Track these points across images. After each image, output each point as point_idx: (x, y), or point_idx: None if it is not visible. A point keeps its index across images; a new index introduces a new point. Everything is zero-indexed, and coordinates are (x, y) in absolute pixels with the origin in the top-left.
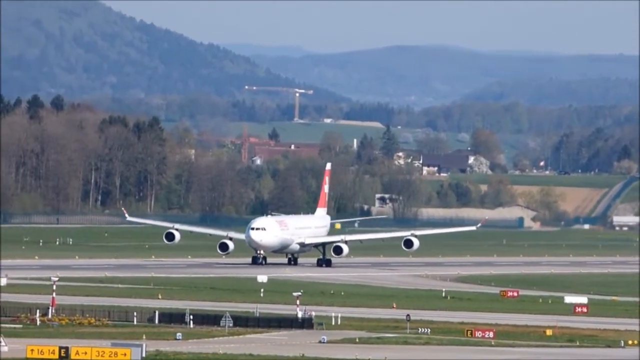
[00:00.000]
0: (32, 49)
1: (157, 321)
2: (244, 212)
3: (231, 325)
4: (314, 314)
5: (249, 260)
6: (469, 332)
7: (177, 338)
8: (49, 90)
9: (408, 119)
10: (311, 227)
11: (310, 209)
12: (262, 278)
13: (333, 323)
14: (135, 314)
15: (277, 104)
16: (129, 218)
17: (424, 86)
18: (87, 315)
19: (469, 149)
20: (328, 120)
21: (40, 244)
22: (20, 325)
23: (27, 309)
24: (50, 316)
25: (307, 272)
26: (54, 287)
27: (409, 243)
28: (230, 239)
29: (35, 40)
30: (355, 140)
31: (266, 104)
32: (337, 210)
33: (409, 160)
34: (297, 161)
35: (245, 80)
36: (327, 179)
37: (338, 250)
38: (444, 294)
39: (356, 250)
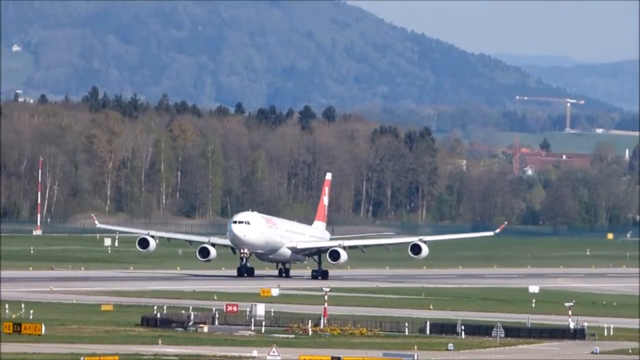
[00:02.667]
0: (304, 59)
1: (428, 332)
2: (515, 222)
3: (503, 335)
4: (586, 324)
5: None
6: None
7: (449, 348)
8: (321, 100)
9: None
10: (305, 234)
11: (581, 219)
12: (534, 288)
13: (605, 334)
14: (406, 324)
15: (548, 114)
16: (99, 225)
17: None
18: (359, 325)
19: None
20: (599, 131)
21: None
22: (293, 336)
23: (299, 319)
24: (322, 326)
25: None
26: (326, 298)
27: (416, 249)
28: (213, 245)
29: (307, 51)
30: (627, 151)
31: (537, 114)
32: (610, 220)
33: None
34: (569, 171)
35: (516, 90)
36: (326, 189)
37: (335, 256)
38: None
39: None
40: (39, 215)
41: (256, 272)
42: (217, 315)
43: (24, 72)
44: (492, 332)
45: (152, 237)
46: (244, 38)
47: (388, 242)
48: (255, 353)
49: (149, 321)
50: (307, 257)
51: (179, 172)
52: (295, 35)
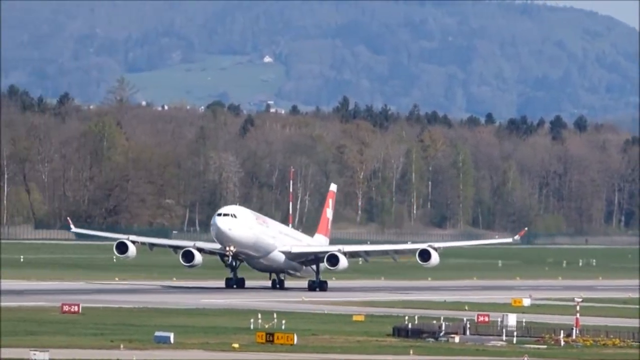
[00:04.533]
0: (555, 69)
1: None
2: None
3: None
4: None
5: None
6: None
7: None
8: (572, 110)
9: None
10: (302, 241)
11: None
12: None
13: None
14: None
15: None
16: (74, 229)
17: None
18: (612, 336)
19: None
20: None
21: (564, 264)
22: (545, 346)
23: (551, 330)
24: (574, 337)
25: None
26: (578, 308)
27: (425, 255)
28: (200, 250)
29: (558, 61)
30: None
31: None
32: None
33: None
34: None
35: None
36: (330, 201)
37: (333, 261)
38: None
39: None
40: (290, 226)
41: (247, 283)
42: (468, 326)
43: (275, 84)
44: None
45: (133, 242)
46: (494, 48)
47: (393, 248)
48: None
49: (400, 331)
50: (304, 266)
51: (429, 182)
52: (547, 45)
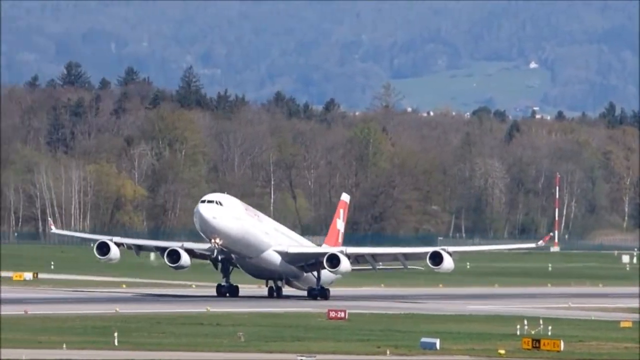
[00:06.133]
0: None
1: None
2: None
3: None
4: None
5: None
6: None
7: None
8: None
9: None
10: (303, 245)
11: None
12: None
13: None
14: None
15: None
16: (54, 231)
17: None
18: None
19: None
20: None
21: None
22: None
23: None
24: None
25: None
26: None
27: (436, 259)
28: (190, 251)
29: None
30: None
31: None
32: None
33: None
34: None
35: None
36: (340, 211)
37: (334, 262)
38: None
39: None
40: (556, 232)
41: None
42: None
43: (541, 89)
44: None
45: (118, 244)
46: None
47: (402, 251)
48: None
49: None
50: (304, 272)
51: None
52: None
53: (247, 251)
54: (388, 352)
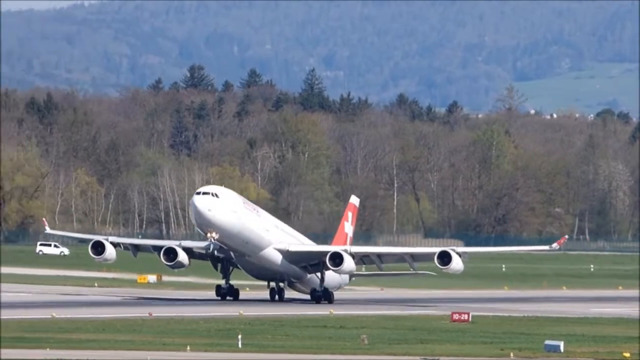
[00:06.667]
0: None
1: None
2: None
3: None
4: None
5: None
6: None
7: None
8: None
9: None
10: (305, 244)
11: None
12: None
13: None
14: None
15: None
16: (48, 231)
17: None
18: None
19: None
20: None
21: None
22: None
23: None
24: None
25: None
26: None
27: (444, 258)
28: (188, 249)
29: None
30: None
31: None
32: None
33: None
34: None
35: None
36: (349, 214)
37: (337, 261)
38: None
39: None
40: None
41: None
42: None
43: None
44: None
45: (116, 244)
46: None
47: (409, 251)
48: None
49: None
50: (307, 274)
51: None
52: None
53: (246, 248)
54: (512, 355)
